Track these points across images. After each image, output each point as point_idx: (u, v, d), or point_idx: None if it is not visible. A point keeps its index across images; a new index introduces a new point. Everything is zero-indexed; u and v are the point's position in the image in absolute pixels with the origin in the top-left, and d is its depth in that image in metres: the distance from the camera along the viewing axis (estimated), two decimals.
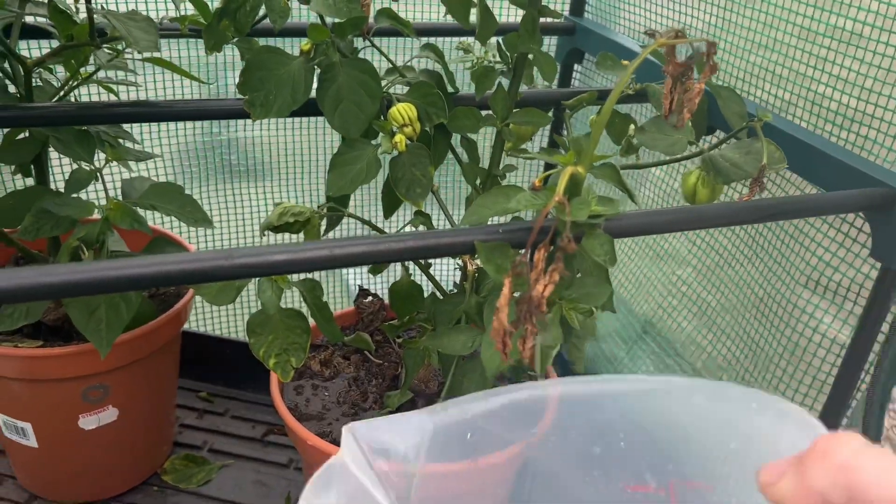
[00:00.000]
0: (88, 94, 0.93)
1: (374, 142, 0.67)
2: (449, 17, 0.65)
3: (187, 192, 1.06)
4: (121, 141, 0.73)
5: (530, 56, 0.67)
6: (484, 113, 0.69)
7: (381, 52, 0.70)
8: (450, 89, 0.71)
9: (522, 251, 0.54)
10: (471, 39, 0.97)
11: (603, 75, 1.09)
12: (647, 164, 0.73)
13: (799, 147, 0.71)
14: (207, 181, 1.07)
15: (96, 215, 0.66)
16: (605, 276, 0.54)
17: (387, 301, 0.84)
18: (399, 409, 0.70)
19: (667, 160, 0.70)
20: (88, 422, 0.77)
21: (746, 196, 0.61)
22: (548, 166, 1.12)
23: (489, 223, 0.55)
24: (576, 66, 1.10)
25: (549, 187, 0.48)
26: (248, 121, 1.04)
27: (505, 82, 0.69)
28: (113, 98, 0.89)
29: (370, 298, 0.83)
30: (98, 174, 0.68)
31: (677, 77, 0.51)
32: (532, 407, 0.39)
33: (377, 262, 0.61)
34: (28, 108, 0.64)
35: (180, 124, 1.00)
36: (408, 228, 0.71)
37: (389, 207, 0.72)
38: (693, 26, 0.97)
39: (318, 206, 0.67)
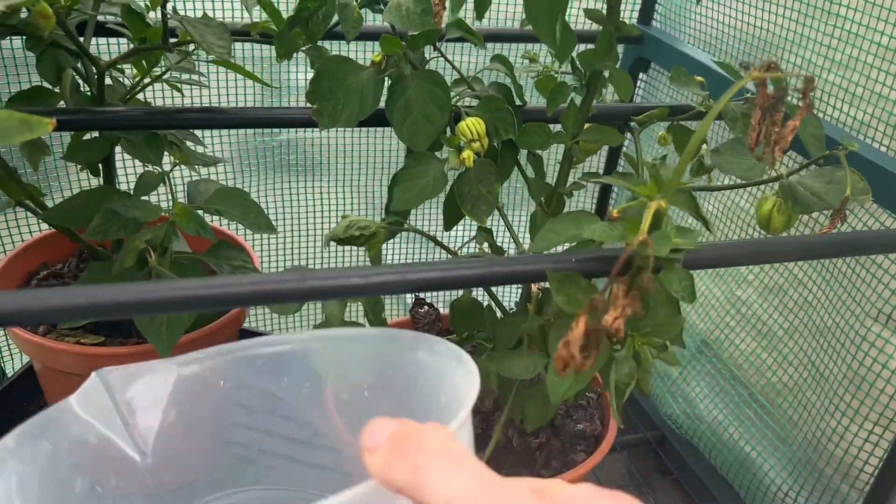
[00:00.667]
0: (153, 90, 0.94)
1: (439, 154, 0.66)
2: (511, 24, 0.63)
3: (244, 188, 1.06)
4: (188, 143, 0.73)
5: (604, 72, 0.65)
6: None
7: (452, 65, 0.69)
8: (517, 102, 0.70)
9: (592, 280, 0.53)
10: (537, 48, 0.95)
11: (669, 85, 1.06)
12: (720, 186, 0.70)
13: (879, 174, 0.68)
14: (266, 179, 1.08)
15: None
16: (676, 307, 0.53)
17: (443, 311, 0.83)
18: None
19: (741, 184, 0.68)
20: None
21: (826, 228, 0.59)
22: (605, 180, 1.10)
23: (561, 251, 0.54)
24: (641, 76, 1.08)
25: (629, 220, 0.46)
26: None
27: (571, 95, 0.67)
28: (180, 100, 0.90)
29: (425, 308, 0.82)
30: (165, 177, 0.68)
31: (767, 109, 0.49)
32: (281, 360, 0.43)
33: (448, 289, 0.61)
34: (100, 111, 0.64)
35: None
36: (469, 245, 0.70)
37: (450, 220, 0.71)
38: (765, 39, 0.94)
39: (382, 219, 0.66)
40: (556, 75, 0.80)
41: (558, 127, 0.69)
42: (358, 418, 0.37)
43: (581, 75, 0.67)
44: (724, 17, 0.97)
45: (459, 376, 0.33)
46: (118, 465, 0.41)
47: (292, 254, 1.14)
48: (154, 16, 0.72)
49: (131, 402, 0.41)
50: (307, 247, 1.15)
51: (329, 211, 1.12)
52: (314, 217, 1.12)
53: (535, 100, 0.73)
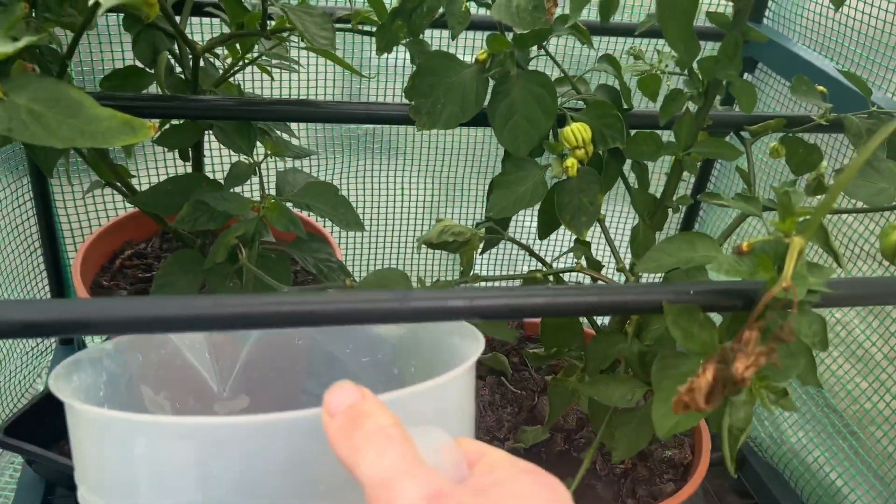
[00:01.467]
0: (242, 73, 0.92)
1: (539, 160, 0.63)
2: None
3: (326, 174, 1.05)
4: (278, 132, 0.71)
5: (724, 81, 0.61)
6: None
7: (557, 64, 0.65)
8: (624, 106, 0.66)
9: (710, 313, 0.49)
10: (642, 45, 0.90)
11: (775, 88, 0.99)
12: (841, 209, 0.65)
13: None
14: (348, 166, 1.06)
15: None
16: (800, 347, 0.48)
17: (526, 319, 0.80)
18: (533, 447, 0.67)
19: (866, 209, 0.63)
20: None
21: None
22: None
23: (679, 281, 0.50)
24: (745, 76, 1.01)
25: (761, 256, 0.42)
26: None
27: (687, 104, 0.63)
28: (268, 83, 0.89)
29: None
30: (256, 168, 0.66)
31: None
32: (348, 332, 0.51)
33: (556, 316, 0.58)
34: (194, 100, 0.63)
35: None
36: (561, 258, 0.66)
37: (545, 229, 0.67)
38: (889, 43, 0.87)
39: (476, 225, 0.63)
40: (661, 75, 0.76)
41: (665, 134, 0.65)
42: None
43: (699, 82, 0.62)
44: (845, 17, 0.90)
45: (473, 352, 0.39)
46: (198, 391, 0.47)
47: (370, 243, 1.13)
48: None
49: (220, 344, 0.48)
50: (385, 237, 1.13)
51: (411, 201, 1.10)
52: (395, 207, 1.10)
53: (637, 100, 0.68)
